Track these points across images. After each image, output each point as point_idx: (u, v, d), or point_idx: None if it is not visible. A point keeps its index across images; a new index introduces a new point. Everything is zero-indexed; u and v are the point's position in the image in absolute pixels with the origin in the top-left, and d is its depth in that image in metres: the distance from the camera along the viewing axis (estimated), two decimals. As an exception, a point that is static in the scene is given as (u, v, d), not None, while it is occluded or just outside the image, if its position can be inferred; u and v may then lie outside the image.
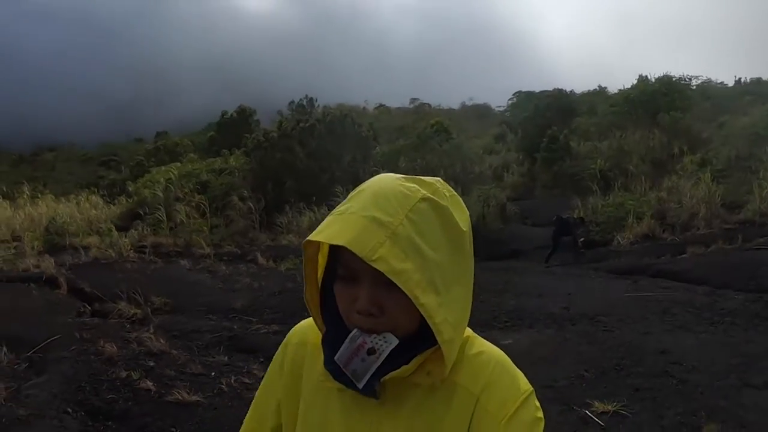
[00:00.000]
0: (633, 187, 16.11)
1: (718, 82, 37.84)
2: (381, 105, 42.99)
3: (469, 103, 42.63)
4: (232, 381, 5.18)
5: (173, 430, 4.38)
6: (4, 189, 21.39)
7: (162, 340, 6.12)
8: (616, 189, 16.21)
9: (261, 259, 11.19)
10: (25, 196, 20.43)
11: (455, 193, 1.13)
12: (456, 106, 43.42)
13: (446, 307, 1.05)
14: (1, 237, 15.20)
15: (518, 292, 8.19)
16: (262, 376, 1.30)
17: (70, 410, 4.60)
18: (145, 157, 33.11)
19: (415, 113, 41.27)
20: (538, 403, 1.11)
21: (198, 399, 4.77)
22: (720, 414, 3.93)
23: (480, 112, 38.56)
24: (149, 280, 8.96)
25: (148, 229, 14.18)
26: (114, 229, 14.00)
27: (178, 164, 21.55)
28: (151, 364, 5.53)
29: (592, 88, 45.14)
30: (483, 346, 1.19)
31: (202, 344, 6.33)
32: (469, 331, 1.19)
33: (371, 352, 1.05)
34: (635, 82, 34.88)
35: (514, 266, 11.29)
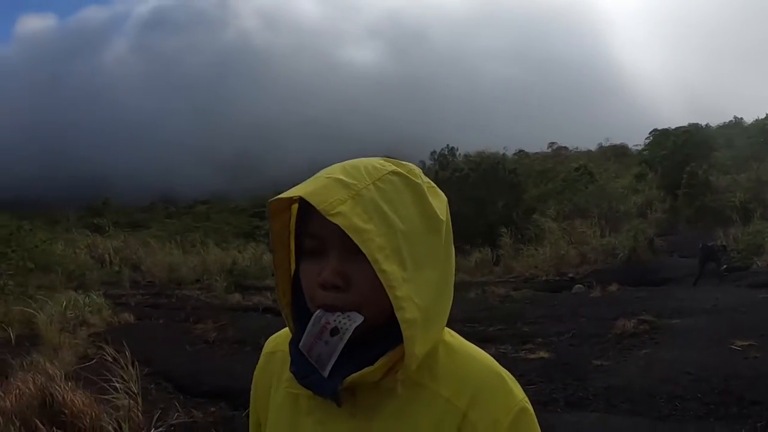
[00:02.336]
0: (772, 215, 17.75)
1: None
2: (520, 150, 45.52)
3: (606, 144, 44.41)
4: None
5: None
6: (178, 239, 24.62)
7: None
8: (755, 219, 17.85)
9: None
10: (197, 245, 23.99)
11: (434, 184, 1.06)
12: (593, 147, 45.26)
13: (413, 284, 0.95)
14: (187, 279, 18.65)
15: (676, 299, 10.92)
16: None
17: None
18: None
19: (554, 157, 43.71)
20: (533, 417, 1.03)
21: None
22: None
23: (618, 152, 40.19)
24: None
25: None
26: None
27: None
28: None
29: (728, 120, 45.49)
30: (470, 351, 1.08)
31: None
32: (455, 337, 1.09)
33: (334, 332, 0.96)
34: (771, 111, 35.45)
35: (667, 289, 13.30)
